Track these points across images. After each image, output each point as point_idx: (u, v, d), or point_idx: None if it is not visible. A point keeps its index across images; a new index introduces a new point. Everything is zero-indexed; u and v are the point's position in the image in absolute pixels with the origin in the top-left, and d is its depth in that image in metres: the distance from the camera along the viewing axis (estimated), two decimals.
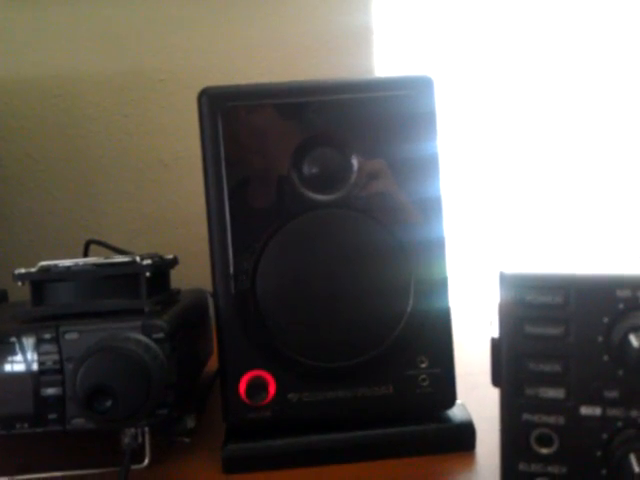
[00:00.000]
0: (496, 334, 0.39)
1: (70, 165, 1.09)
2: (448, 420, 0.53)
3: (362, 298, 0.51)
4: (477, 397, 0.55)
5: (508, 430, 0.38)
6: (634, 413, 0.36)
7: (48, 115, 1.09)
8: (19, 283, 0.54)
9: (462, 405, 0.55)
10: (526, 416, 0.37)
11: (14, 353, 0.50)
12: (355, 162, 0.51)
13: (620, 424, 0.36)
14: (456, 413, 0.54)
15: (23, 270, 0.54)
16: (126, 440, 0.49)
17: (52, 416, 0.49)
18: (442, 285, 0.53)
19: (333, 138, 0.52)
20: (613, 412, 0.36)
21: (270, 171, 0.51)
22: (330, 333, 0.52)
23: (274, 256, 0.51)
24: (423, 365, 0.52)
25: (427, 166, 0.52)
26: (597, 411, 0.36)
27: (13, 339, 0.50)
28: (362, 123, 0.52)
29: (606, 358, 0.36)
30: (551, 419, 0.37)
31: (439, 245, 0.52)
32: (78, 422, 0.49)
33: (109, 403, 0.45)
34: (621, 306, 0.35)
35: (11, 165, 1.09)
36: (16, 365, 0.50)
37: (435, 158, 0.52)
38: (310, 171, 0.51)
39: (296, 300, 0.51)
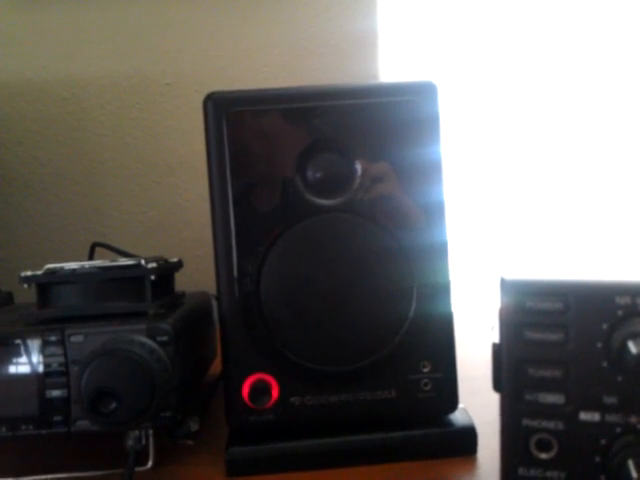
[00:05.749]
0: (497, 339, 0.39)
1: (76, 168, 1.10)
2: (450, 424, 0.53)
3: (365, 302, 0.52)
4: (479, 401, 0.55)
5: (508, 435, 0.38)
6: (633, 419, 0.36)
7: (54, 118, 1.09)
8: (25, 285, 0.54)
9: (464, 409, 0.55)
10: (526, 421, 0.38)
11: (20, 355, 0.50)
12: (359, 167, 0.52)
13: (619, 430, 0.36)
14: (458, 417, 0.54)
15: (29, 272, 0.54)
16: (130, 442, 0.50)
17: (57, 418, 0.50)
18: (444, 290, 0.53)
19: (337, 143, 0.52)
20: (612, 418, 0.36)
21: (274, 175, 0.51)
22: (333, 337, 0.52)
23: (278, 260, 0.51)
24: (425, 369, 0.52)
25: (430, 171, 0.52)
26: (596, 417, 0.36)
27: (19, 341, 0.50)
28: (366, 128, 0.52)
29: (605, 364, 0.36)
30: (550, 424, 0.37)
31: (442, 250, 0.53)
32: (83, 424, 0.50)
33: (113, 405, 0.45)
34: (620, 313, 0.36)
35: (18, 168, 1.09)
36: (21, 367, 0.50)
37: (438, 163, 0.52)
38: (314, 176, 0.52)
39: (299, 304, 0.52)
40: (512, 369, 0.38)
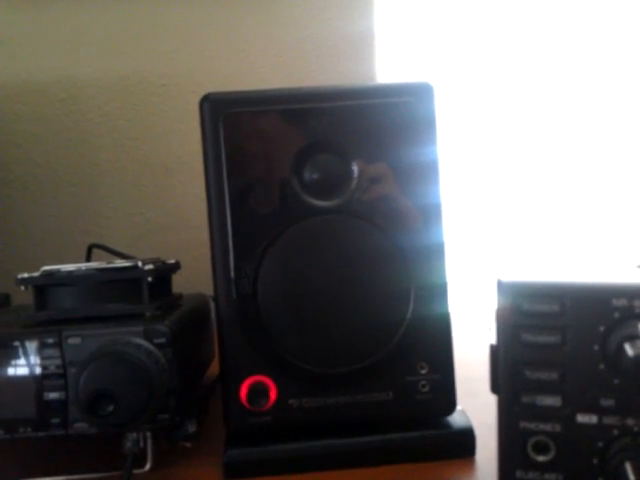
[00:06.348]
0: (495, 341, 0.39)
1: (73, 169, 1.10)
2: (448, 426, 0.53)
3: (363, 304, 0.52)
4: (477, 403, 0.55)
5: (505, 437, 0.38)
6: (630, 421, 0.36)
7: (51, 119, 1.09)
8: (22, 287, 0.54)
9: (462, 411, 0.55)
10: (523, 424, 0.38)
11: (17, 357, 0.50)
12: (356, 168, 0.52)
13: (616, 432, 0.36)
14: (456, 419, 0.54)
15: (26, 275, 0.54)
16: (128, 444, 0.50)
17: (55, 420, 0.50)
18: (442, 291, 0.53)
19: (334, 144, 0.52)
20: (609, 420, 0.36)
21: (271, 177, 0.51)
22: (331, 339, 0.52)
23: (275, 261, 0.51)
24: (423, 371, 0.52)
25: (427, 172, 0.52)
26: (593, 419, 0.36)
27: (16, 343, 0.50)
28: (363, 129, 0.52)
29: (602, 367, 0.36)
30: (548, 427, 0.37)
31: (439, 251, 0.52)
32: (80, 426, 0.50)
33: (111, 408, 0.45)
34: (617, 315, 0.36)
35: (14, 169, 1.09)
36: (19, 369, 0.50)
37: (435, 164, 0.52)
38: (311, 177, 0.52)
39: (297, 305, 0.51)
40: (509, 371, 0.38)
